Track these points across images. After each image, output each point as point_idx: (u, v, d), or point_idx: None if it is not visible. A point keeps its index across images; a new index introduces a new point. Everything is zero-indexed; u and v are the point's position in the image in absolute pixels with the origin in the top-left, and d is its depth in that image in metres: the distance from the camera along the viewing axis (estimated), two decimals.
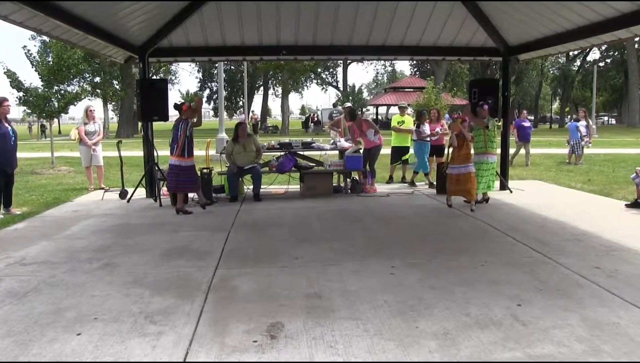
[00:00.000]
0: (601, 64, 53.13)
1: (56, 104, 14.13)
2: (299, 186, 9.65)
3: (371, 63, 68.49)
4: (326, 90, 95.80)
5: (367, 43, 9.95)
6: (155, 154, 8.96)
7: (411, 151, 11.53)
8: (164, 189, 8.80)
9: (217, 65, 22.47)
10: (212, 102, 57.29)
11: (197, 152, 7.92)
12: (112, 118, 46.53)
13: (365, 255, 5.33)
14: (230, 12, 8.89)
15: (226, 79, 48.61)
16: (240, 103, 53.62)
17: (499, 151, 9.20)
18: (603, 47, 48.63)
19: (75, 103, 15.19)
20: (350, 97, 39.48)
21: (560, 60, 54.42)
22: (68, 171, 13.92)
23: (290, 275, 4.65)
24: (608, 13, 6.91)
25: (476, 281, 4.40)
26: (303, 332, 3.41)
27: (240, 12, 8.90)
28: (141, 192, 8.95)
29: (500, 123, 10.09)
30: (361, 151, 9.93)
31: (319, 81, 55.71)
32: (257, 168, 8.78)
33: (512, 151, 14.45)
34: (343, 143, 9.87)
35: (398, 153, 11.01)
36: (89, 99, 28.26)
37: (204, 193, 8.50)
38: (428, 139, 10.27)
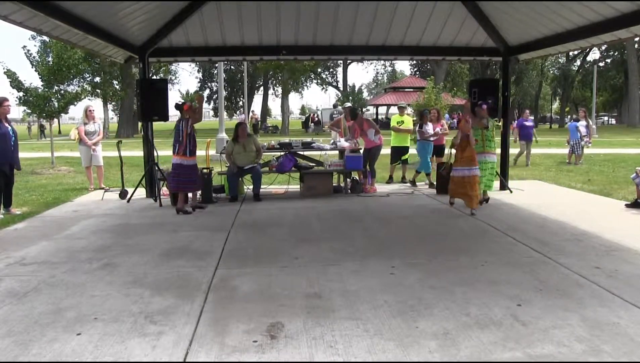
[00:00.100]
0: (601, 64, 53.12)
1: (56, 104, 14.13)
2: (299, 186, 9.65)
3: (371, 63, 68.51)
4: (326, 90, 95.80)
5: (367, 43, 9.95)
6: (155, 154, 8.96)
7: (411, 151, 11.54)
8: (164, 189, 8.80)
9: (217, 65, 22.48)
10: (212, 102, 57.29)
11: (197, 152, 7.91)
12: (112, 118, 46.54)
13: (365, 255, 5.33)
14: (230, 12, 8.90)
15: (226, 79, 48.63)
16: (240, 103, 53.64)
17: (498, 151, 9.19)
18: (603, 47, 48.63)
19: (75, 103, 15.19)
20: (350, 97, 39.48)
21: (560, 60, 54.42)
22: (68, 171, 13.92)
23: (290, 275, 4.65)
24: (608, 13, 6.91)
25: (476, 281, 4.40)
26: (303, 332, 3.41)
27: (240, 12, 8.90)
28: (141, 192, 8.95)
29: (500, 123, 10.10)
30: (361, 151, 9.94)
31: (319, 81, 55.70)
32: (257, 168, 8.78)
33: (516, 151, 14.51)
34: (343, 143, 9.87)
35: (397, 153, 11.03)
36: (89, 99, 28.29)
37: (203, 193, 8.51)
38: (431, 139, 10.26)
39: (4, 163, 7.45)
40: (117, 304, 3.95)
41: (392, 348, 3.17)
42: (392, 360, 3.05)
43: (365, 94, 61.46)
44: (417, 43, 10.03)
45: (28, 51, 14.32)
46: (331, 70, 56.07)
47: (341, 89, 50.88)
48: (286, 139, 10.47)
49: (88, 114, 10.54)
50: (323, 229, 6.65)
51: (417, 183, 10.47)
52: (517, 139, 14.36)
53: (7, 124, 7.55)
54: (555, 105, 64.87)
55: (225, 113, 24.96)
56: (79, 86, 23.69)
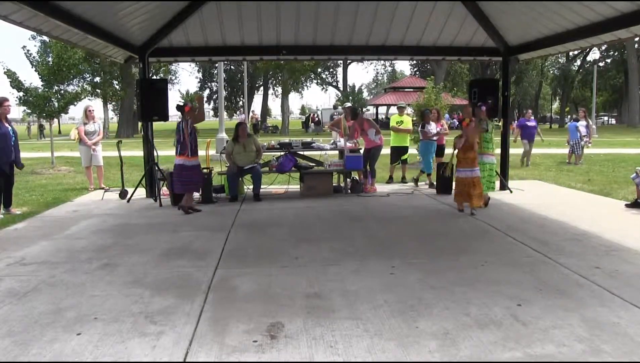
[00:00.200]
0: (601, 64, 53.13)
1: (56, 104, 14.14)
2: (299, 186, 9.65)
3: (371, 63, 68.53)
4: (326, 90, 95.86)
5: (367, 43, 9.96)
6: (155, 154, 8.96)
7: (410, 151, 11.54)
8: (164, 189, 8.80)
9: (217, 65, 22.46)
10: (212, 102, 57.29)
11: (198, 152, 7.91)
12: (112, 118, 46.55)
13: (365, 255, 5.34)
14: (230, 12, 8.90)
15: (226, 79, 48.63)
16: (240, 103, 53.63)
17: (498, 151, 9.19)
18: (603, 47, 48.63)
19: (75, 103, 15.20)
20: (350, 97, 39.49)
21: (560, 60, 54.42)
22: (68, 171, 13.92)
23: (290, 275, 4.65)
24: (608, 13, 6.91)
25: (476, 281, 4.40)
26: (303, 332, 3.41)
27: (240, 12, 8.90)
28: (141, 192, 8.95)
29: (500, 123, 10.09)
30: (361, 151, 9.94)
31: (319, 81, 55.70)
32: (257, 168, 8.78)
33: (517, 151, 14.49)
34: (343, 143, 9.87)
35: (397, 153, 11.04)
36: (89, 99, 28.30)
37: (203, 193, 8.51)
38: (434, 138, 10.23)
39: (4, 163, 7.45)
40: (117, 304, 3.95)
41: (392, 348, 3.17)
42: (392, 360, 3.05)
43: (365, 94, 61.46)
44: (417, 43, 10.04)
45: (28, 51, 14.34)
46: (331, 70, 56.08)
47: (341, 89, 50.86)
48: (286, 139, 10.48)
49: (88, 114, 10.54)
50: (323, 229, 6.65)
51: (418, 183, 10.42)
52: (517, 138, 14.36)
53: (7, 124, 7.55)
54: (555, 105, 64.88)
55: (225, 113, 24.94)
56: (79, 86, 23.68)
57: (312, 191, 9.21)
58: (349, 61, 47.91)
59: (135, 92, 19.87)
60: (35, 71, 14.01)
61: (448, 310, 3.75)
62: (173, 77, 53.16)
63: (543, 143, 15.96)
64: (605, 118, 68.54)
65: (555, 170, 13.31)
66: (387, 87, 53.98)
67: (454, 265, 4.92)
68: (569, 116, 51.62)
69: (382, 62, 63.86)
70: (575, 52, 48.07)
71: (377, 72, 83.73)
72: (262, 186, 9.02)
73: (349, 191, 9.54)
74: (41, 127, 38.21)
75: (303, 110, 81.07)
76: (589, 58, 53.62)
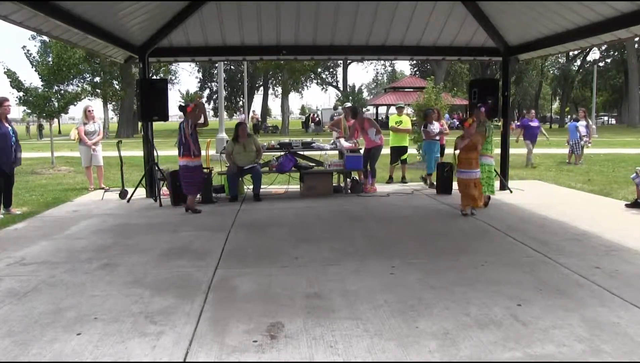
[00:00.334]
0: (601, 64, 53.14)
1: (56, 104, 14.14)
2: (299, 186, 9.65)
3: (371, 63, 68.58)
4: (326, 90, 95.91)
5: (367, 43, 9.95)
6: (155, 154, 8.96)
7: (410, 150, 11.53)
8: (164, 189, 8.81)
9: (217, 65, 22.46)
10: (212, 102, 57.30)
11: (201, 152, 7.93)
12: (112, 118, 46.55)
13: (365, 255, 5.34)
14: (230, 12, 8.90)
15: (226, 79, 48.63)
16: (240, 103, 53.63)
17: (497, 151, 9.18)
18: (603, 47, 48.63)
19: (75, 103, 15.21)
20: (350, 97, 39.52)
21: (560, 60, 54.43)
22: (68, 171, 13.93)
23: (290, 275, 4.65)
24: (608, 13, 6.91)
25: (476, 281, 4.40)
26: (303, 332, 3.41)
27: (240, 12, 8.90)
28: (141, 192, 8.95)
29: (500, 123, 10.09)
30: (361, 151, 9.94)
31: (319, 81, 55.71)
32: (257, 168, 8.78)
33: (518, 151, 14.48)
34: (343, 143, 9.87)
35: (396, 153, 11.05)
36: (89, 99, 28.32)
37: (203, 193, 8.51)
38: (437, 138, 10.21)
39: (4, 163, 7.45)
40: (117, 304, 3.95)
41: (392, 348, 3.17)
42: (392, 360, 3.05)
43: (365, 94, 61.49)
44: (417, 43, 10.04)
45: (28, 51, 14.34)
46: (331, 70, 56.09)
47: (341, 89, 50.88)
48: (286, 139, 10.48)
49: (87, 114, 10.54)
50: (323, 229, 6.65)
51: (427, 182, 10.32)
52: (519, 138, 14.35)
53: (7, 124, 7.55)
54: (555, 105, 64.89)
55: (225, 113, 24.94)
56: (79, 86, 23.68)
57: (312, 191, 9.21)
58: (349, 61, 47.94)
59: (135, 92, 19.88)
60: (35, 71, 14.02)
61: (448, 310, 3.75)
62: (173, 77, 53.18)
63: (548, 143, 15.89)
64: (605, 118, 68.53)
65: (555, 170, 13.31)
66: (387, 87, 53.99)
67: (454, 265, 4.91)
68: (569, 116, 51.64)
69: (382, 62, 63.93)
70: (575, 52, 48.10)
71: (377, 72, 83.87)
72: (262, 186, 9.02)
73: (349, 191, 9.54)
74: (40, 127, 38.23)
75: (303, 110, 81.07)
76: (589, 58, 53.70)
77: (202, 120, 7.82)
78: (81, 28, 7.06)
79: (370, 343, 3.24)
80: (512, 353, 3.10)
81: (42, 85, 14.04)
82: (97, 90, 35.70)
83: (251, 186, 9.01)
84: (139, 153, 11.92)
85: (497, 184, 8.93)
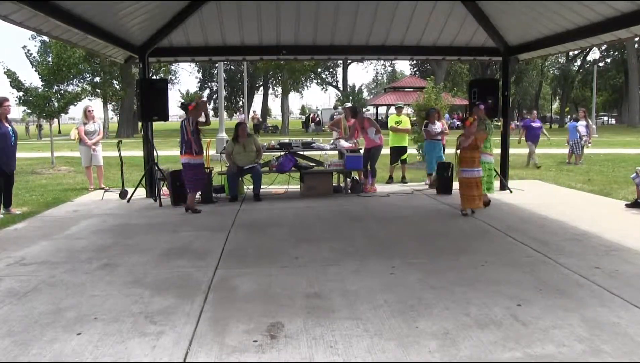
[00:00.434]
0: (601, 64, 53.13)
1: (56, 104, 14.14)
2: (299, 186, 9.65)
3: (371, 63, 68.58)
4: (326, 90, 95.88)
5: (367, 43, 9.95)
6: (155, 154, 8.96)
7: (410, 150, 11.52)
8: (164, 189, 8.81)
9: (217, 65, 22.46)
10: (212, 102, 57.30)
11: (203, 150, 7.93)
12: (112, 118, 46.55)
13: (365, 255, 5.34)
14: (230, 12, 8.90)
15: (226, 79, 48.63)
16: (240, 103, 53.63)
17: (497, 151, 9.19)
18: (603, 47, 48.64)
19: (75, 103, 15.21)
20: (350, 97, 39.53)
21: (560, 60, 54.44)
22: (68, 171, 13.93)
23: (290, 275, 4.65)
24: (608, 13, 6.91)
25: (476, 281, 4.40)
26: (303, 332, 3.41)
27: (240, 12, 8.90)
28: (141, 192, 8.95)
29: (500, 123, 10.09)
30: (361, 151, 9.93)
31: (319, 81, 55.72)
32: (257, 168, 8.79)
33: (518, 151, 14.48)
34: (342, 143, 9.87)
35: (396, 153, 11.05)
36: (89, 99, 28.31)
37: (203, 193, 8.51)
38: (439, 138, 10.18)
39: (4, 163, 7.44)
40: (117, 304, 3.95)
41: (392, 348, 3.17)
42: (392, 360, 3.05)
43: (365, 94, 61.48)
44: (417, 43, 10.03)
45: (28, 51, 14.34)
46: (331, 70, 56.10)
47: (341, 89, 50.89)
48: (286, 139, 10.48)
49: (87, 114, 10.54)
50: (323, 229, 6.65)
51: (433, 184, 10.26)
52: (521, 139, 14.33)
53: (7, 124, 7.55)
54: (555, 105, 64.88)
55: (225, 113, 24.94)
56: (79, 86, 23.69)
57: (312, 191, 9.21)
58: (349, 61, 47.94)
59: (135, 92, 19.88)
60: (35, 71, 14.02)
61: (448, 310, 3.75)
62: (173, 77, 53.17)
63: (549, 143, 15.87)
64: (605, 118, 68.52)
65: (555, 170, 13.31)
66: (387, 87, 53.97)
67: (454, 265, 4.91)
68: (569, 116, 51.64)
69: (382, 62, 63.92)
70: (575, 52, 48.12)
71: (377, 72, 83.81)
72: (262, 186, 9.02)
73: (349, 191, 9.54)
74: (40, 127, 38.23)
75: (303, 110, 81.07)
76: (589, 58, 53.71)
77: (203, 118, 7.82)
78: (81, 28, 7.06)
79: (370, 343, 3.24)
80: (512, 353, 3.10)
81: (42, 85, 14.05)
82: (97, 90, 35.71)
83: (251, 186, 9.01)
84: (139, 153, 11.92)
85: (497, 184, 8.94)
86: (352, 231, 6.49)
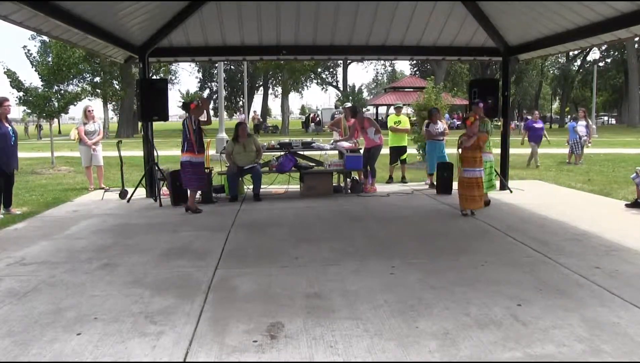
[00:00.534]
0: (601, 64, 53.15)
1: (56, 104, 14.14)
2: (299, 186, 9.65)
3: (371, 63, 68.56)
4: (326, 90, 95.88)
5: (367, 43, 9.95)
6: (155, 154, 8.96)
7: (409, 150, 11.51)
8: (164, 189, 8.81)
9: (217, 65, 22.46)
10: (212, 102, 57.21)
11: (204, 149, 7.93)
12: (112, 118, 46.55)
13: (365, 255, 5.34)
14: (230, 12, 8.90)
15: (226, 79, 48.63)
16: (240, 103, 53.63)
17: (497, 151, 9.18)
18: (603, 47, 48.64)
19: (75, 103, 15.21)
20: (350, 97, 39.53)
21: (560, 60, 54.46)
22: (68, 171, 13.92)
23: (290, 275, 4.65)
24: (608, 13, 6.91)
25: (476, 281, 4.40)
26: (303, 332, 3.41)
27: (240, 12, 8.90)
28: (141, 192, 8.95)
29: (500, 123, 10.08)
30: (361, 151, 9.93)
31: (319, 81, 55.72)
32: (257, 167, 8.79)
33: (522, 151, 14.48)
34: (342, 143, 9.87)
35: (396, 153, 11.05)
36: (89, 99, 28.31)
37: (203, 193, 8.51)
38: (440, 138, 10.15)
39: (4, 163, 7.45)
40: (117, 304, 3.95)
41: (392, 348, 3.17)
42: (392, 360, 3.05)
43: (365, 94, 61.50)
44: (417, 43, 10.03)
45: (28, 50, 14.34)
46: (331, 70, 56.11)
47: (341, 89, 50.89)
48: (286, 139, 10.48)
49: (87, 114, 10.54)
50: (323, 229, 6.65)
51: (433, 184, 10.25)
52: (524, 140, 14.32)
53: (7, 124, 7.55)
54: (555, 105, 64.90)
55: (225, 113, 24.95)
56: (79, 86, 23.69)
57: (312, 191, 9.21)
58: (349, 61, 47.93)
59: (135, 92, 19.88)
60: (35, 70, 14.02)
61: (448, 310, 3.75)
62: (173, 77, 53.16)
63: (548, 143, 15.87)
64: (605, 118, 68.53)
65: (555, 170, 13.31)
66: (387, 87, 53.97)
67: (454, 265, 4.91)
68: (569, 116, 51.64)
69: (382, 62, 63.91)
70: (575, 52, 48.13)
71: (377, 72, 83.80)
72: (262, 186, 9.02)
73: (349, 191, 9.54)
74: (39, 128, 38.22)
75: (303, 110, 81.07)
76: (589, 58, 53.72)
77: (204, 117, 7.82)
78: (81, 28, 7.06)
79: (370, 343, 3.24)
80: (512, 353, 3.10)
81: (42, 85, 14.05)
82: (97, 90, 35.71)
83: (251, 186, 9.01)
84: (139, 153, 11.92)
85: (497, 183, 8.93)
86: (352, 231, 6.49)
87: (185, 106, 7.80)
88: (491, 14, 8.97)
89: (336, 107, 37.93)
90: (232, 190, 8.84)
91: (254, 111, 46.62)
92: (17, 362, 3.07)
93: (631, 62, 44.41)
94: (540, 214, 7.38)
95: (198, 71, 58.14)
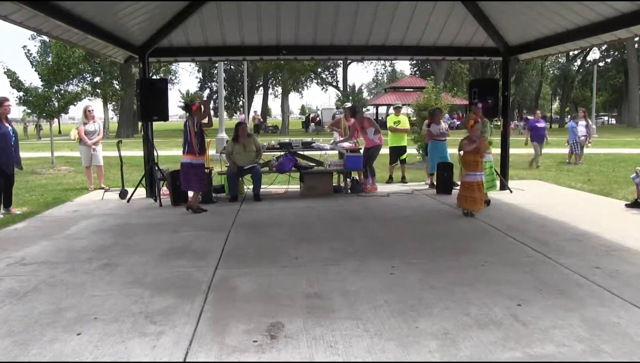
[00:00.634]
0: (601, 64, 53.16)
1: (56, 104, 14.14)
2: (299, 186, 9.65)
3: (371, 63, 68.54)
4: (326, 90, 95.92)
5: (367, 43, 9.95)
6: (155, 154, 8.96)
7: (409, 150, 11.50)
8: (164, 189, 8.81)
9: (217, 65, 22.47)
10: (212, 102, 57.20)
11: (205, 151, 7.93)
12: (112, 118, 46.54)
13: (365, 255, 5.34)
14: (230, 12, 8.90)
15: (226, 79, 48.63)
16: (240, 103, 53.63)
17: (497, 150, 9.18)
18: (603, 47, 48.65)
19: (75, 103, 15.20)
20: (350, 97, 39.54)
21: (560, 60, 54.47)
22: (68, 171, 13.92)
23: (290, 275, 4.65)
24: (608, 13, 6.91)
25: (476, 281, 4.40)
26: (303, 332, 3.41)
27: (240, 12, 8.90)
28: (141, 192, 8.95)
29: (500, 123, 10.08)
30: (361, 151, 9.93)
31: (319, 81, 55.72)
32: (257, 167, 8.79)
33: (523, 151, 14.45)
34: (342, 144, 9.86)
35: (395, 153, 11.05)
36: (89, 99, 28.31)
37: (203, 193, 8.50)
38: (442, 139, 10.13)
39: (4, 163, 7.45)
40: (117, 304, 3.95)
41: (392, 348, 3.17)
42: (392, 360, 3.05)
43: (365, 94, 61.47)
44: (417, 43, 10.03)
45: (28, 50, 14.33)
46: (331, 70, 56.10)
47: (341, 89, 50.89)
48: (286, 139, 10.48)
49: (87, 114, 10.54)
50: (323, 229, 6.65)
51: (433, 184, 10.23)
52: (527, 140, 14.32)
53: (7, 124, 7.56)
54: (555, 105, 64.90)
55: (225, 113, 24.95)
56: (79, 86, 23.68)
57: (312, 191, 9.21)
58: (349, 61, 47.93)
59: (135, 92, 19.89)
60: (35, 70, 14.01)
61: (448, 310, 3.75)
62: (173, 77, 53.14)
63: (547, 143, 15.86)
64: (605, 118, 68.53)
65: (555, 170, 13.31)
66: (387, 87, 53.96)
67: (454, 265, 4.91)
68: (568, 116, 51.64)
69: (382, 62, 63.92)
70: (575, 52, 48.14)
71: (377, 72, 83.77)
72: (262, 186, 9.02)
73: (349, 191, 9.54)
74: (39, 128, 38.22)
75: (303, 110, 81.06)
76: (589, 58, 53.74)
77: (205, 120, 7.82)
78: (81, 28, 7.06)
79: (370, 343, 3.24)
80: (512, 353, 3.10)
81: (42, 85, 14.04)
82: (97, 90, 35.71)
83: (251, 186, 9.01)
84: (139, 153, 11.92)
85: (497, 183, 8.93)
86: (352, 231, 6.49)
87: (186, 108, 7.80)
88: (491, 14, 8.98)
89: (337, 107, 37.93)
90: (232, 190, 8.84)
91: (254, 111, 46.64)
92: (17, 362, 3.07)
93: (631, 62, 44.41)
94: (540, 214, 7.38)
95: (198, 71, 58.21)
